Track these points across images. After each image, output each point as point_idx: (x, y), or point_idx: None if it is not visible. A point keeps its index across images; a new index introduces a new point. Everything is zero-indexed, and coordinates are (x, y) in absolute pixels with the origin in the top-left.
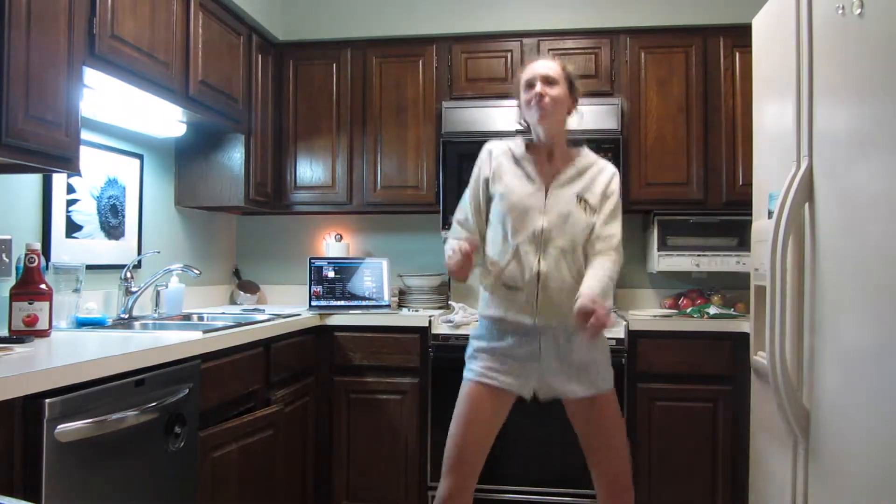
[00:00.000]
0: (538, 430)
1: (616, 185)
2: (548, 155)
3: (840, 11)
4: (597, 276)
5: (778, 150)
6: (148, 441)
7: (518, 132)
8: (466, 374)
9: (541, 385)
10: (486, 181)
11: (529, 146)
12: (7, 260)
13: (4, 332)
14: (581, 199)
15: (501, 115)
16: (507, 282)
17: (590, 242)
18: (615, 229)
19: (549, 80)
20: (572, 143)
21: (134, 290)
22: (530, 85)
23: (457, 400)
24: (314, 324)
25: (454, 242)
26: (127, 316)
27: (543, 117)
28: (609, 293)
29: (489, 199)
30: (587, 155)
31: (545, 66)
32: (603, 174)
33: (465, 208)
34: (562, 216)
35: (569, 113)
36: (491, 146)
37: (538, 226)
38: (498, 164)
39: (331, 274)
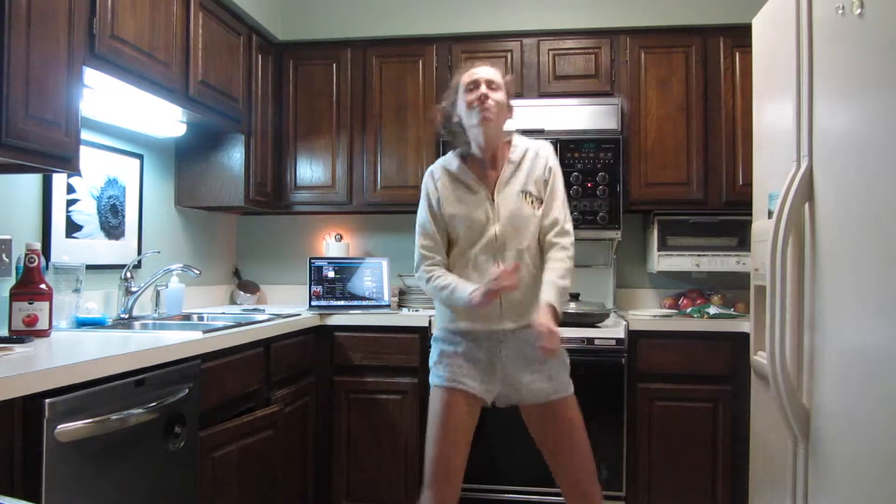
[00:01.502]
0: None
1: (552, 161)
2: (490, 161)
3: (840, 11)
4: (549, 283)
5: (778, 150)
6: (148, 441)
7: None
8: (435, 380)
9: (505, 389)
10: (438, 201)
11: (465, 157)
12: (7, 260)
13: (4, 332)
14: (525, 193)
15: None
16: None
17: (540, 234)
18: (557, 212)
19: (492, 85)
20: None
21: (134, 290)
22: (475, 86)
23: (430, 409)
24: (314, 324)
25: (473, 294)
26: (127, 316)
27: (487, 119)
28: (564, 295)
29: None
30: (519, 143)
31: (488, 71)
32: (538, 157)
33: (429, 233)
34: (511, 219)
35: (509, 113)
36: (430, 170)
37: (491, 234)
38: (442, 184)
39: (331, 274)
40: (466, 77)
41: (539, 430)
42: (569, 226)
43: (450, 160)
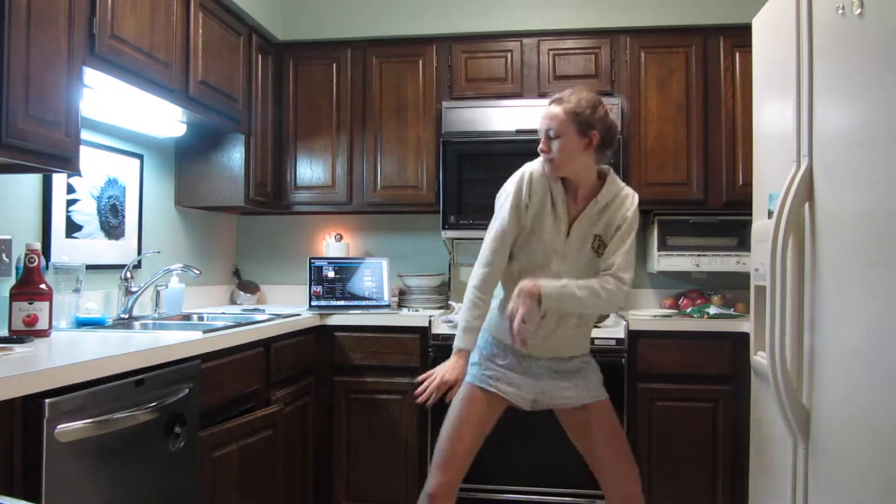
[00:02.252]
0: (538, 430)
1: (632, 212)
2: (575, 190)
3: (840, 11)
4: (564, 282)
5: (778, 150)
6: (148, 441)
7: (517, 133)
8: (469, 378)
9: (539, 396)
10: (527, 208)
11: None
12: (7, 260)
13: (4, 332)
14: (598, 239)
15: (501, 114)
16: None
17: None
18: (619, 258)
19: (550, 135)
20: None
21: (134, 290)
22: (541, 136)
23: (455, 399)
24: (314, 324)
25: (443, 370)
26: (127, 316)
27: (552, 172)
28: (567, 298)
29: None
30: (612, 184)
31: (549, 118)
32: (623, 207)
33: (506, 233)
34: (577, 262)
35: (590, 148)
36: (530, 171)
37: (554, 269)
38: (534, 191)
39: (331, 274)
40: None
41: (578, 434)
42: (625, 275)
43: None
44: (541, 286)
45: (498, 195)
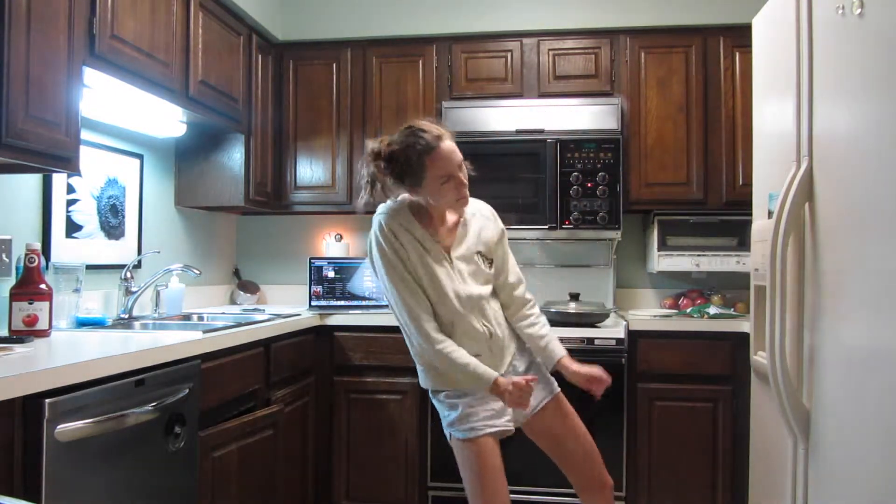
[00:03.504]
0: None
1: (501, 227)
2: (440, 219)
3: (840, 11)
4: (552, 338)
5: (778, 150)
6: (148, 441)
7: (517, 133)
8: (467, 434)
9: (515, 413)
10: (408, 261)
11: (415, 212)
12: (7, 260)
13: (4, 332)
14: (479, 255)
15: (501, 115)
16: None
17: (503, 293)
18: (517, 270)
19: (461, 168)
20: None
21: (134, 290)
22: (448, 178)
23: (467, 463)
24: (314, 324)
25: (506, 383)
26: (127, 316)
27: (465, 205)
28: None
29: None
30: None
31: (456, 152)
32: (488, 220)
33: (418, 294)
34: (471, 276)
35: None
36: (387, 225)
37: (462, 294)
38: (400, 243)
39: (331, 274)
40: (441, 165)
41: (548, 431)
42: (523, 284)
43: (403, 217)
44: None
45: (370, 262)
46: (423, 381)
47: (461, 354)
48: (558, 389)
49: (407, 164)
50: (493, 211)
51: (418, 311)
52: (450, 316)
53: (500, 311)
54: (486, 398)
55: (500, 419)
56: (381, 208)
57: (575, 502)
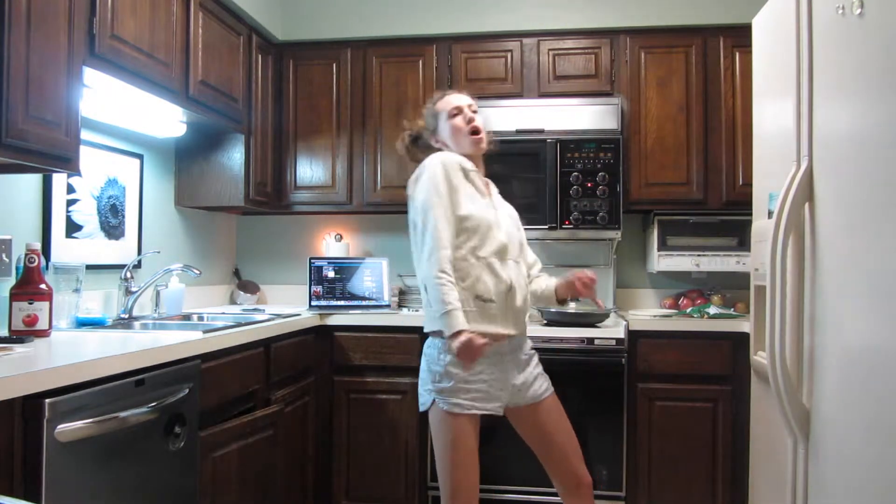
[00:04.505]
0: None
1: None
2: (483, 175)
3: (840, 11)
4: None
5: (778, 150)
6: (148, 441)
7: (517, 132)
8: (452, 408)
9: (512, 396)
10: (453, 192)
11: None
12: (7, 260)
13: (4, 332)
14: (510, 218)
15: (501, 114)
16: (480, 294)
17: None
18: (533, 254)
19: (474, 109)
20: None
21: (134, 290)
22: (458, 111)
23: (443, 436)
24: (314, 324)
25: (466, 337)
26: (127, 316)
27: (480, 143)
28: None
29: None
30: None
31: (465, 97)
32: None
33: (449, 221)
34: (510, 230)
35: None
36: (442, 160)
37: (499, 240)
38: (457, 179)
39: (331, 274)
40: (451, 101)
41: (534, 426)
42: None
43: (462, 159)
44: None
45: (414, 192)
46: (426, 321)
47: (451, 295)
48: (552, 388)
49: (427, 117)
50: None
51: (445, 240)
52: (484, 252)
53: (525, 283)
54: (481, 376)
55: (490, 403)
56: (440, 154)
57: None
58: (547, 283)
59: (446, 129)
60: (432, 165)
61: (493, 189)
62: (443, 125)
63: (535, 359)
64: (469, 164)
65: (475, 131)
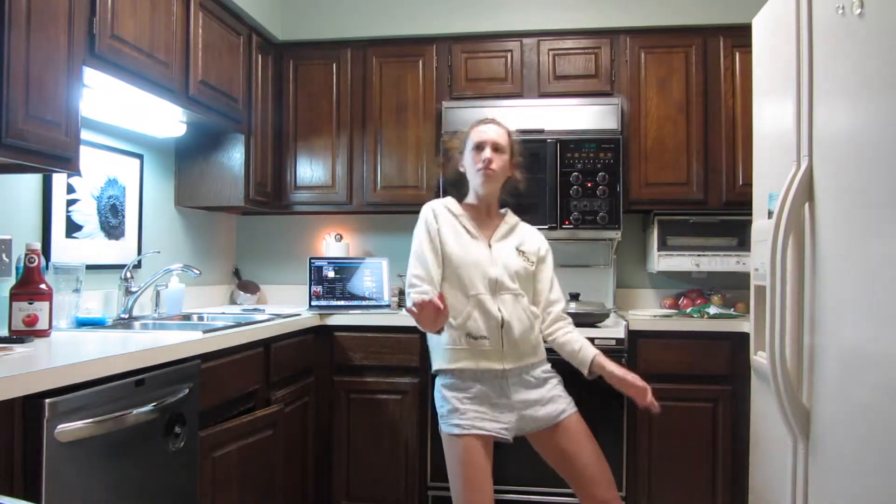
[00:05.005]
0: None
1: (547, 246)
2: (486, 212)
3: (840, 11)
4: (587, 343)
5: (778, 150)
6: (148, 441)
7: (517, 132)
8: (452, 429)
9: (519, 420)
10: (438, 233)
11: (463, 204)
12: (7, 260)
13: (4, 332)
14: (519, 251)
15: (501, 115)
16: (471, 332)
17: (540, 307)
18: (559, 294)
19: (497, 148)
20: (499, 204)
21: (134, 290)
22: (480, 148)
23: (451, 458)
24: (314, 324)
25: (418, 296)
26: (127, 316)
27: (486, 183)
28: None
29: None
30: (512, 215)
31: (496, 132)
32: (532, 235)
33: (424, 261)
34: (508, 266)
35: (510, 173)
36: (428, 208)
37: (491, 275)
38: (440, 223)
39: (331, 274)
40: (476, 135)
41: (555, 450)
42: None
43: (451, 203)
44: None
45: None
46: (432, 360)
47: (420, 289)
48: (574, 410)
49: (463, 139)
50: (543, 237)
51: (426, 266)
52: (473, 290)
53: (527, 315)
54: (482, 398)
55: (492, 423)
56: (435, 200)
57: (572, 502)
58: (583, 347)
59: (468, 158)
60: (423, 209)
61: (506, 225)
62: (466, 153)
63: (554, 381)
64: (457, 208)
65: (485, 168)
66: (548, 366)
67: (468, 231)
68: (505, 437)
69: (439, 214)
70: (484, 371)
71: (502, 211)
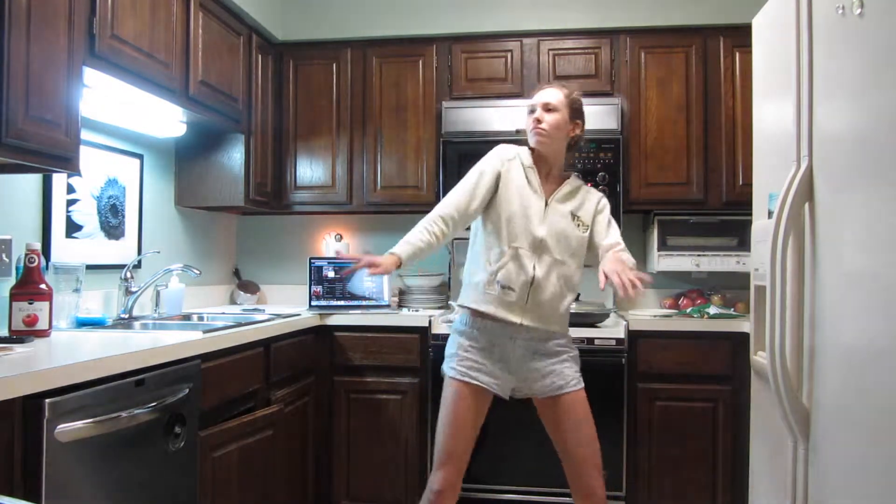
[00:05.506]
0: (538, 429)
1: (605, 203)
2: (547, 172)
3: (840, 11)
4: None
5: (778, 150)
6: (148, 441)
7: (517, 133)
8: (450, 371)
9: (519, 383)
10: (497, 177)
11: (534, 158)
12: (7, 260)
13: (4, 332)
14: (575, 216)
15: (501, 114)
16: (501, 280)
17: (600, 247)
18: (615, 238)
19: (548, 108)
20: (566, 166)
21: (134, 290)
22: (532, 111)
23: (443, 397)
24: (314, 324)
25: (393, 252)
26: (127, 316)
27: (538, 143)
28: (630, 259)
29: (493, 195)
30: (577, 178)
31: (548, 93)
32: (592, 195)
33: (466, 192)
34: (558, 229)
35: (570, 137)
36: (503, 148)
37: (538, 234)
38: (508, 167)
39: (331, 274)
40: (533, 99)
41: (551, 423)
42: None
43: (525, 153)
44: (624, 256)
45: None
46: (461, 294)
47: (419, 231)
48: (577, 388)
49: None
50: (605, 198)
51: (458, 199)
52: (515, 242)
53: (560, 284)
54: (485, 351)
55: (487, 377)
56: (506, 145)
57: (567, 502)
58: (617, 247)
59: (526, 122)
60: (498, 148)
61: (568, 186)
62: (526, 118)
63: (566, 356)
64: (527, 160)
65: (535, 127)
66: (565, 340)
67: (530, 183)
68: (497, 391)
69: (512, 159)
70: (500, 321)
71: (569, 172)
